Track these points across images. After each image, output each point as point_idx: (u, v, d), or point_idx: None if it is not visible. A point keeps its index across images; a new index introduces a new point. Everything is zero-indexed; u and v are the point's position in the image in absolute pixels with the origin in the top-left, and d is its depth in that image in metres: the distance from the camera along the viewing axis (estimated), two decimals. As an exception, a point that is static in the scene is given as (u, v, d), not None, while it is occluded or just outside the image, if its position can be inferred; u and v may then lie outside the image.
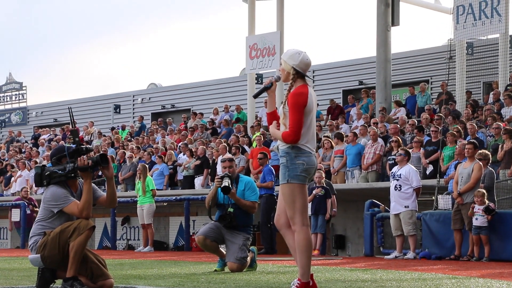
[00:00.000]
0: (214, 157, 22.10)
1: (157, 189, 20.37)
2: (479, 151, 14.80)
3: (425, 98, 23.81)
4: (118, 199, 8.15)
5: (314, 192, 16.88)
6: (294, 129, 6.59)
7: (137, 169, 20.77)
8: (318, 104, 21.56)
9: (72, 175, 7.28)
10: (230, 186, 10.30)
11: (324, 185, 17.18)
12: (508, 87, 21.55)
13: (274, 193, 17.31)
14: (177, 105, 35.29)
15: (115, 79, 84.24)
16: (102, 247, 24.19)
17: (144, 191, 19.26)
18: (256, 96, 7.25)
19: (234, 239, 10.48)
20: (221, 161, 11.34)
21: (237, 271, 10.28)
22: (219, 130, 26.99)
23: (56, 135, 32.69)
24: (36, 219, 7.36)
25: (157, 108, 35.97)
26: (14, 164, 28.69)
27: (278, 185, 7.00)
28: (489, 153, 15.23)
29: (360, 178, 19.20)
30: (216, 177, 10.75)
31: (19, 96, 41.17)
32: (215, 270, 10.57)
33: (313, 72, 29.78)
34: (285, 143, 6.65)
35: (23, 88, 41.12)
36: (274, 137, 6.91)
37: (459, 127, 18.16)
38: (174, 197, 21.26)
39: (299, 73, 6.73)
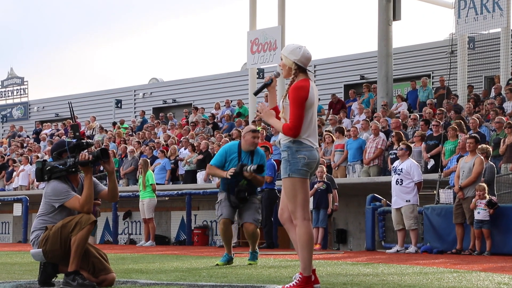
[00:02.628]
0: (215, 152, 22.09)
1: (159, 184, 20.35)
2: (480, 146, 14.78)
3: (426, 93, 23.77)
4: (120, 193, 8.14)
5: (315, 186, 16.89)
6: (294, 123, 6.58)
7: (139, 163, 20.79)
8: (319, 99, 21.57)
9: (73, 169, 7.28)
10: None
11: (326, 179, 17.18)
12: (510, 81, 21.52)
13: (275, 188, 17.29)
14: (179, 100, 35.28)
15: (116, 73, 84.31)
16: (104, 241, 24.22)
17: (145, 185, 19.26)
18: (256, 93, 7.29)
19: (249, 203, 10.71)
20: (244, 133, 10.67)
21: (252, 232, 10.64)
22: (220, 124, 26.98)
23: (58, 129, 32.71)
24: (37, 214, 7.36)
25: (158, 102, 35.96)
26: (16, 158, 28.71)
27: (280, 179, 7.00)
28: (489, 147, 15.22)
29: (361, 173, 19.18)
30: (229, 171, 10.56)
31: (20, 91, 41.22)
32: (217, 264, 10.59)
33: (315, 67, 29.76)
34: (284, 135, 6.65)
35: (25, 83, 41.15)
36: (273, 127, 6.89)
37: (461, 121, 18.15)
38: (175, 192, 21.27)
39: (301, 68, 6.73)
